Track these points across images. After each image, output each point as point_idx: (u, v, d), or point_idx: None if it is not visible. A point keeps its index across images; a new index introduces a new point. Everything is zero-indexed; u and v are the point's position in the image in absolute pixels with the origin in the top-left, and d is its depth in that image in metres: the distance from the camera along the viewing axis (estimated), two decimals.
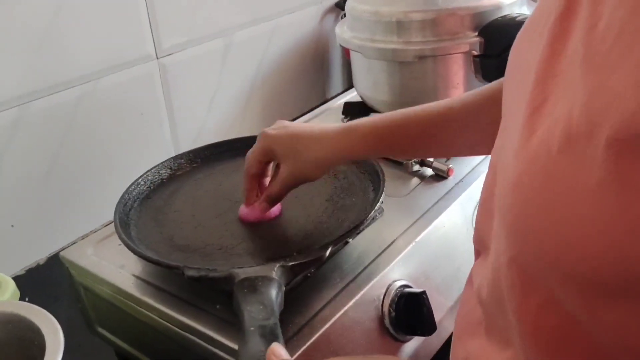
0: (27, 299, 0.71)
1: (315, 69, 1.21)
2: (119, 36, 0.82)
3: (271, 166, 0.55)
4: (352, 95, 0.87)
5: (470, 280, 0.40)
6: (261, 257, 0.49)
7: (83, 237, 0.83)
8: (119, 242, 0.54)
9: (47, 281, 0.77)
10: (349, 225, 0.52)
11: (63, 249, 0.81)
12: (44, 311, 0.43)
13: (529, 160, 0.26)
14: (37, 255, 0.79)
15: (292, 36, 1.13)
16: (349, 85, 1.31)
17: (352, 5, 0.73)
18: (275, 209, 0.55)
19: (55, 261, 0.80)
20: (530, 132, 0.27)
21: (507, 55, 0.64)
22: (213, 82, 0.99)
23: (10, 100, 0.72)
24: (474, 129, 0.47)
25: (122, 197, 0.57)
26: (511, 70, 0.34)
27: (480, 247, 0.38)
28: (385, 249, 0.53)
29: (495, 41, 0.65)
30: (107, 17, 0.80)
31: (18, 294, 0.51)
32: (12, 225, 0.76)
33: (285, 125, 0.53)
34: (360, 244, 0.53)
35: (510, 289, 0.28)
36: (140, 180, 0.60)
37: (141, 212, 0.58)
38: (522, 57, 0.32)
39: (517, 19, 0.64)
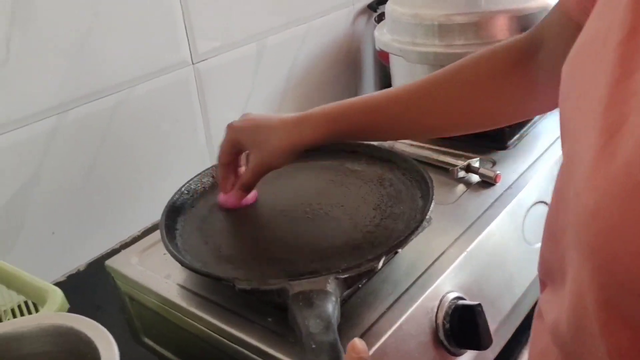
0: (68, 307, 0.72)
1: (347, 72, 1.20)
2: (155, 42, 0.82)
3: (244, 155, 0.58)
4: None
5: (539, 314, 0.38)
6: (312, 268, 0.48)
7: (122, 244, 0.83)
8: (163, 251, 0.53)
9: (88, 287, 0.77)
10: (399, 235, 0.50)
11: (102, 255, 0.82)
12: (97, 324, 0.42)
13: (611, 185, 0.24)
14: (78, 261, 0.80)
15: (324, 39, 1.12)
16: (382, 87, 1.30)
17: (392, 7, 0.72)
18: (251, 197, 0.58)
19: (95, 267, 0.81)
20: (610, 157, 0.25)
21: None
22: (246, 86, 0.99)
23: (49, 110, 0.73)
24: (425, 112, 0.51)
25: (166, 206, 0.57)
26: (568, 95, 0.32)
27: (548, 278, 0.36)
28: (436, 259, 0.51)
29: None
30: (143, 23, 0.80)
31: (67, 305, 0.50)
32: (53, 233, 0.77)
33: (249, 118, 0.56)
34: (409, 254, 0.52)
35: (600, 326, 0.27)
36: (183, 189, 0.60)
37: (186, 221, 0.57)
38: (581, 80, 0.31)
39: None
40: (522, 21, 0.64)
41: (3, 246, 0.72)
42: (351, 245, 0.51)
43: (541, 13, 0.65)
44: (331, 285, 0.42)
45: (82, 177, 0.78)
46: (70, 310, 0.50)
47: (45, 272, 0.77)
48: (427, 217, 0.51)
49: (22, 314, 0.56)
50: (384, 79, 1.30)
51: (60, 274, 0.78)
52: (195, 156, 0.92)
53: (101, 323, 0.42)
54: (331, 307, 0.40)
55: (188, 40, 0.87)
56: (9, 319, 0.58)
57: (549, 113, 0.75)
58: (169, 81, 0.85)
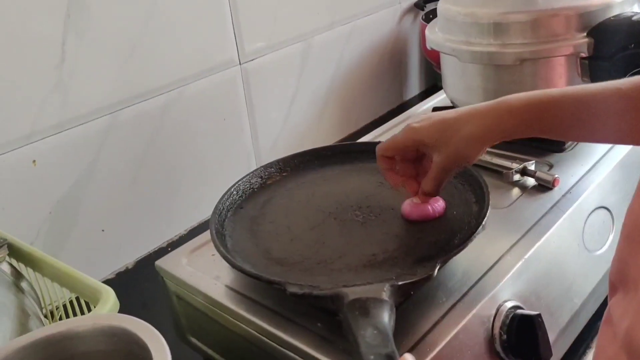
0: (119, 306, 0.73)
1: (393, 71, 1.19)
2: (204, 43, 0.83)
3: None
4: (439, 99, 0.84)
5: (608, 320, 0.36)
6: (365, 274, 0.47)
7: (169, 243, 0.84)
8: (213, 252, 0.53)
9: (136, 285, 0.78)
10: (454, 241, 0.49)
11: (150, 253, 0.83)
12: (151, 327, 0.42)
13: None
14: (126, 259, 0.81)
15: (370, 38, 1.11)
16: (427, 86, 1.28)
17: (445, 6, 0.70)
18: (441, 207, 0.54)
19: (143, 265, 0.82)
20: None
21: (620, 57, 0.59)
22: (292, 86, 0.99)
23: (103, 109, 0.74)
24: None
25: (216, 207, 0.57)
26: None
27: (621, 283, 0.34)
28: (492, 266, 0.50)
29: (608, 42, 0.60)
30: (193, 24, 0.81)
31: (118, 304, 0.51)
32: (103, 230, 0.78)
33: (429, 116, 0.50)
34: (464, 260, 0.50)
35: None
36: (232, 189, 0.60)
37: (235, 222, 0.57)
38: None
39: (633, 18, 0.59)
40: (582, 19, 0.61)
41: (57, 243, 0.73)
42: (404, 251, 0.49)
43: (603, 11, 0.62)
44: (387, 294, 0.41)
45: (131, 176, 0.79)
46: (119, 308, 0.51)
47: (95, 270, 0.78)
48: (483, 222, 0.49)
49: (73, 311, 0.57)
50: (429, 79, 1.28)
51: (110, 271, 0.80)
52: (241, 155, 0.93)
53: (147, 321, 0.42)
54: (387, 316, 0.39)
55: (236, 40, 0.87)
56: (60, 315, 0.60)
57: None
58: (217, 80, 0.86)
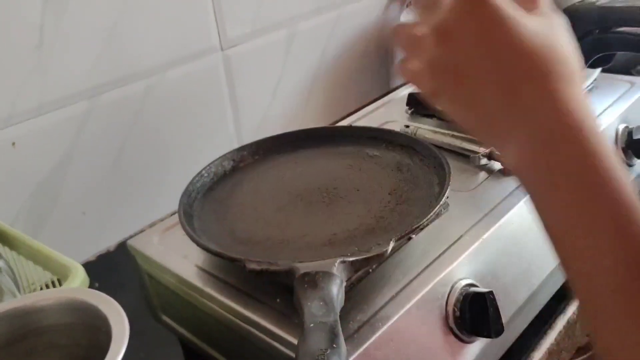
0: (97, 285, 0.74)
1: (379, 59, 1.20)
2: (185, 28, 0.84)
3: None
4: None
5: None
6: (322, 251, 0.48)
7: (150, 226, 0.86)
8: (183, 232, 0.55)
9: (116, 267, 0.79)
10: (413, 221, 0.50)
11: (131, 236, 0.84)
12: (112, 300, 0.44)
13: None
14: (107, 242, 0.82)
15: (356, 25, 1.12)
16: None
17: None
18: None
19: (124, 248, 0.83)
20: None
21: (585, 42, 0.60)
22: (276, 73, 0.99)
23: (81, 93, 0.75)
24: None
25: (186, 189, 0.58)
26: None
27: None
28: (450, 246, 0.51)
29: (573, 27, 0.61)
30: (174, 9, 0.81)
31: (87, 281, 0.52)
32: (84, 213, 0.79)
33: None
34: (424, 240, 0.52)
35: None
36: (203, 172, 0.61)
37: (204, 203, 0.58)
38: None
39: (597, 3, 0.60)
40: (553, 3, 0.62)
41: (37, 224, 0.75)
42: (363, 230, 0.51)
43: None
44: (338, 269, 0.42)
45: (112, 160, 0.80)
46: (97, 288, 0.52)
47: (76, 252, 0.79)
48: (442, 202, 0.50)
49: None
50: None
51: (91, 254, 0.81)
52: (223, 141, 0.93)
53: (123, 300, 0.43)
54: (336, 289, 0.40)
55: (217, 26, 0.88)
56: None
57: None
58: (198, 67, 0.87)
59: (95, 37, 0.74)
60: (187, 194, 0.58)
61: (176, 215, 0.62)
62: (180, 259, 0.55)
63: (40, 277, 0.60)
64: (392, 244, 0.45)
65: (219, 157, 0.63)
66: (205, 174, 0.61)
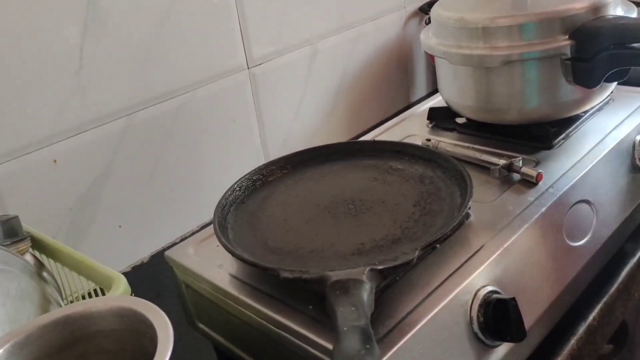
0: (133, 295, 0.77)
1: (399, 74, 1.22)
2: (213, 49, 0.88)
3: None
4: (436, 100, 0.87)
5: None
6: (351, 260, 0.51)
7: (182, 238, 0.89)
8: (218, 243, 0.58)
9: (151, 278, 0.83)
10: (437, 231, 0.53)
11: (164, 248, 0.88)
12: (155, 306, 0.47)
13: None
14: (142, 253, 0.86)
15: (376, 42, 1.15)
16: (433, 89, 1.31)
17: (438, 12, 0.74)
18: None
19: (157, 259, 0.87)
20: None
21: (601, 58, 0.62)
22: (299, 90, 1.03)
23: (119, 111, 0.79)
24: None
25: (220, 202, 0.61)
26: None
27: None
28: (473, 255, 0.53)
29: (588, 44, 0.63)
30: (204, 30, 0.86)
31: (129, 290, 0.56)
32: (120, 226, 0.83)
33: None
34: (448, 249, 0.54)
35: None
36: (235, 186, 0.64)
37: (237, 216, 0.62)
38: None
39: (612, 20, 0.62)
40: (564, 23, 0.65)
41: (77, 237, 0.79)
42: (390, 240, 0.53)
43: (587, 14, 0.65)
44: (367, 276, 0.45)
45: (147, 175, 0.84)
46: (130, 293, 0.55)
47: (112, 263, 0.83)
48: (465, 213, 0.53)
49: None
50: (435, 81, 1.31)
51: (126, 265, 0.85)
52: (251, 155, 0.97)
53: (161, 308, 0.46)
54: (366, 296, 0.43)
55: (244, 46, 0.91)
56: None
57: (597, 111, 0.75)
58: (227, 84, 0.91)
59: (131, 60, 0.79)
60: (220, 207, 0.61)
61: (210, 227, 0.65)
62: (215, 268, 0.59)
63: (82, 286, 0.63)
64: (418, 253, 0.48)
65: (250, 172, 0.67)
66: (238, 188, 0.64)
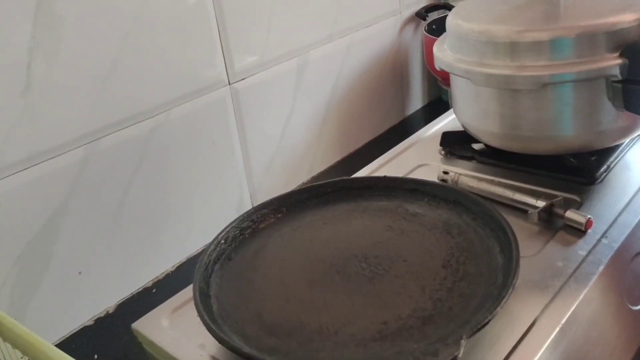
0: (96, 357, 0.65)
1: (394, 84, 1.13)
2: (190, 61, 0.77)
3: None
4: (448, 121, 0.77)
5: None
6: (373, 349, 0.40)
7: (155, 282, 0.77)
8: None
9: (117, 333, 0.71)
10: (479, 306, 0.42)
11: (133, 294, 0.76)
12: None
13: None
14: (107, 302, 0.74)
15: (370, 50, 1.05)
16: (430, 99, 1.21)
17: (456, 22, 0.63)
18: None
19: (125, 308, 0.75)
20: None
21: None
22: (287, 105, 0.92)
23: (79, 139, 0.67)
24: None
25: (200, 260, 0.50)
26: None
27: None
28: (525, 334, 0.42)
29: (636, 63, 0.53)
30: (179, 41, 0.75)
31: None
32: (80, 272, 0.71)
33: None
34: (492, 328, 0.43)
35: None
36: (220, 238, 0.53)
37: (222, 278, 0.50)
38: None
39: None
40: (613, 38, 0.54)
41: (27, 290, 0.66)
42: (420, 317, 0.42)
43: (635, 29, 0.55)
44: None
45: (111, 212, 0.72)
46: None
47: (71, 317, 0.71)
48: (514, 283, 0.42)
49: None
50: (433, 92, 1.21)
51: (88, 317, 0.72)
52: (233, 181, 0.86)
53: None
54: None
55: (224, 58, 0.81)
56: None
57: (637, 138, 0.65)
58: (204, 102, 0.80)
59: (92, 77, 0.67)
60: (202, 268, 0.49)
61: (186, 290, 0.54)
62: (196, 349, 0.47)
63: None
64: (463, 344, 0.37)
65: (237, 219, 0.55)
66: (223, 241, 0.53)
